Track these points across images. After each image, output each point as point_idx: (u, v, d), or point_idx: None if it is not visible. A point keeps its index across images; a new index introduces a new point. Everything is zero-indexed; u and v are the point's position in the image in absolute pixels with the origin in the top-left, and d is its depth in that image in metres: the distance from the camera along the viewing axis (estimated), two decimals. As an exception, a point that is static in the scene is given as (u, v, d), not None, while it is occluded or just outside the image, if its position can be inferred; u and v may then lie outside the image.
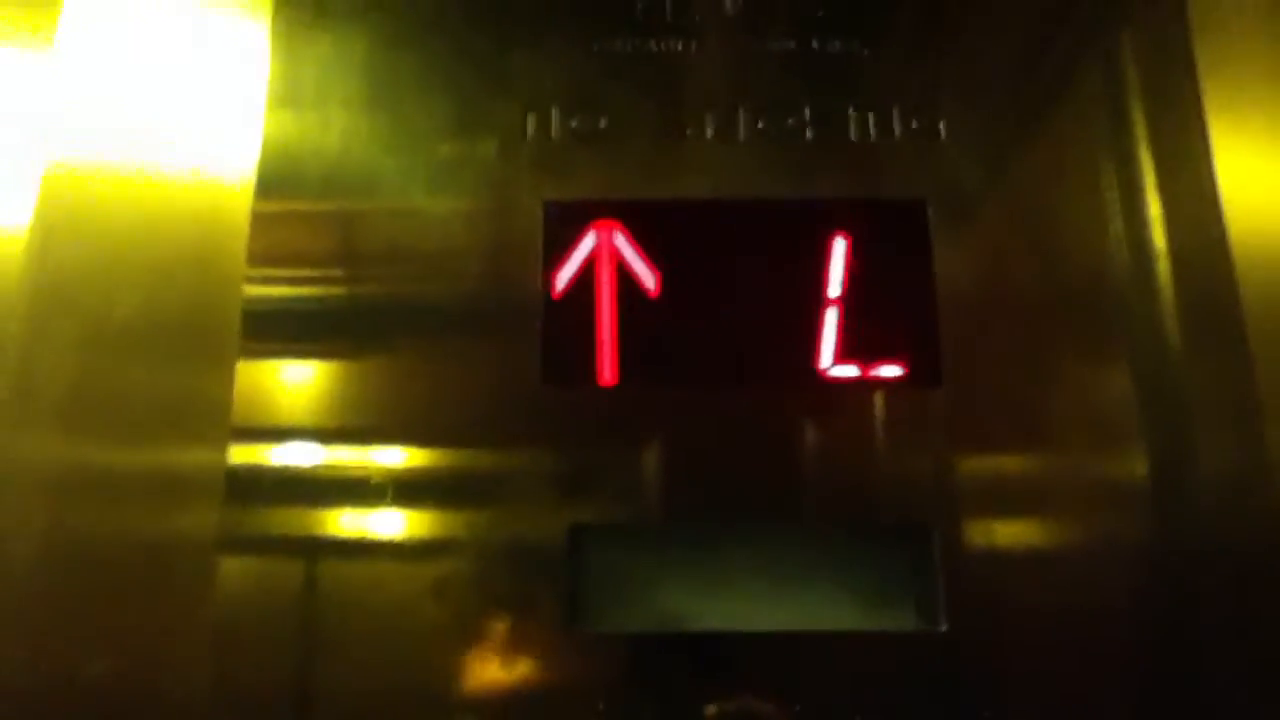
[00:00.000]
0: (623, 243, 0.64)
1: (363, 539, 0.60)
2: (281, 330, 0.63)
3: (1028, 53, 0.71)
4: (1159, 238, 0.66)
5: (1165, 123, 0.68)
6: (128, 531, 0.58)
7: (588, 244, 0.64)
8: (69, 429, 0.59)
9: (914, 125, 0.68)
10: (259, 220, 0.63)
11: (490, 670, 0.57)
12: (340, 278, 0.64)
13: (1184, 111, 0.68)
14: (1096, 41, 0.71)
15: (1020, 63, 0.71)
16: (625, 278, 0.64)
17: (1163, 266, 0.65)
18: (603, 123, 0.66)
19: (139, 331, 0.61)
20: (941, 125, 0.68)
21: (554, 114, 0.66)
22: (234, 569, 0.58)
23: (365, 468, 0.61)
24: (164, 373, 0.61)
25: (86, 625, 0.57)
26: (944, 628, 0.59)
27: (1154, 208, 0.66)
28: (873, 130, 0.67)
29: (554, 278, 0.64)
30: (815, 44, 0.69)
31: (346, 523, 0.60)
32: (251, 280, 0.62)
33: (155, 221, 0.63)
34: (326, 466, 0.61)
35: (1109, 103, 0.69)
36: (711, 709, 0.57)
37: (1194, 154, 0.67)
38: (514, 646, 0.58)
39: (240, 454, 0.60)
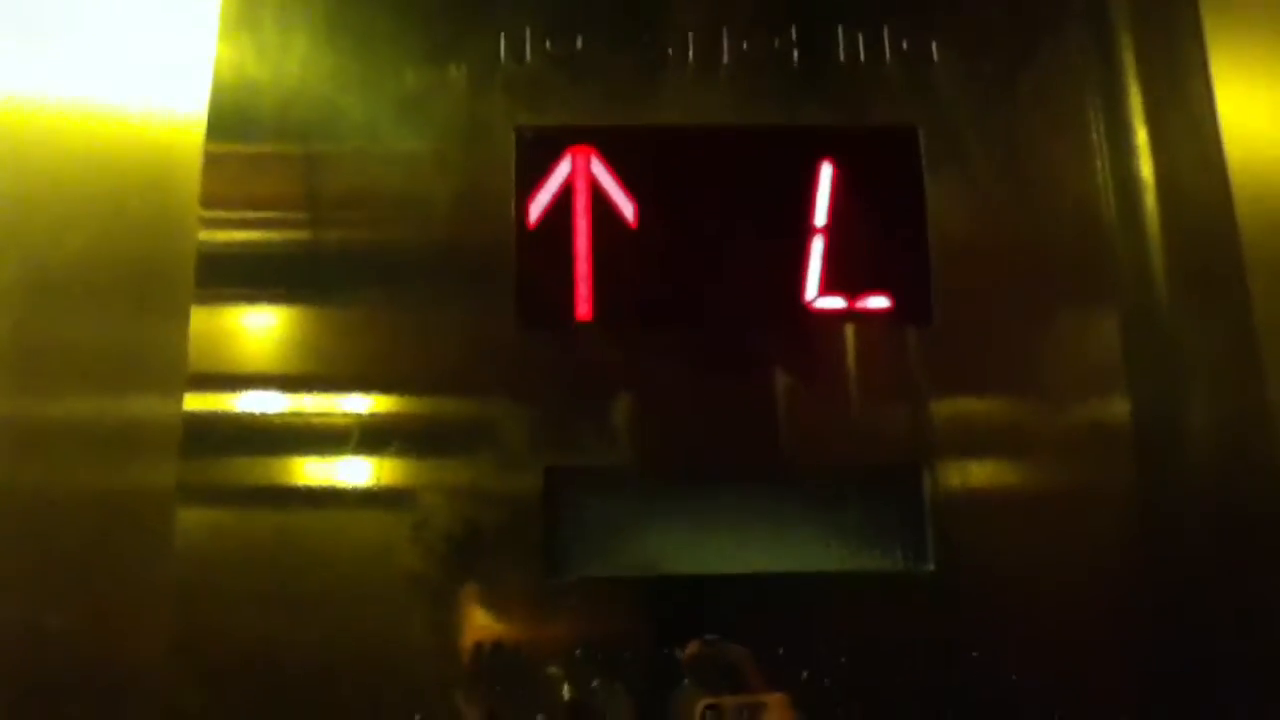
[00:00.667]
0: (600, 170, 0.62)
1: (329, 488, 0.58)
2: (238, 275, 0.60)
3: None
4: (1152, 173, 0.64)
5: (1163, 52, 0.66)
6: (82, 484, 0.56)
7: (563, 171, 0.62)
8: (16, 380, 0.57)
9: (905, 47, 0.65)
10: (212, 160, 0.60)
11: (466, 616, 0.55)
12: (300, 219, 0.61)
13: (1183, 42, 0.66)
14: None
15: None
16: (602, 207, 0.61)
17: (1160, 202, 0.63)
18: (579, 44, 0.63)
19: (87, 276, 0.59)
20: (934, 47, 0.65)
21: (528, 36, 0.63)
22: (193, 520, 0.56)
23: (330, 415, 0.59)
24: (115, 320, 0.58)
25: (42, 582, 0.55)
26: (931, 567, 0.57)
27: (1148, 142, 0.64)
28: (862, 52, 0.64)
29: (528, 207, 0.61)
30: (801, -39, 0.66)
31: (311, 472, 0.58)
32: (206, 223, 0.60)
33: (103, 160, 0.60)
34: (289, 415, 0.59)
35: (1106, 28, 0.67)
36: (692, 652, 0.55)
37: (1193, 85, 0.65)
38: (490, 592, 0.56)
39: (197, 402, 0.58)
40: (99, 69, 0.62)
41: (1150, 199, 0.63)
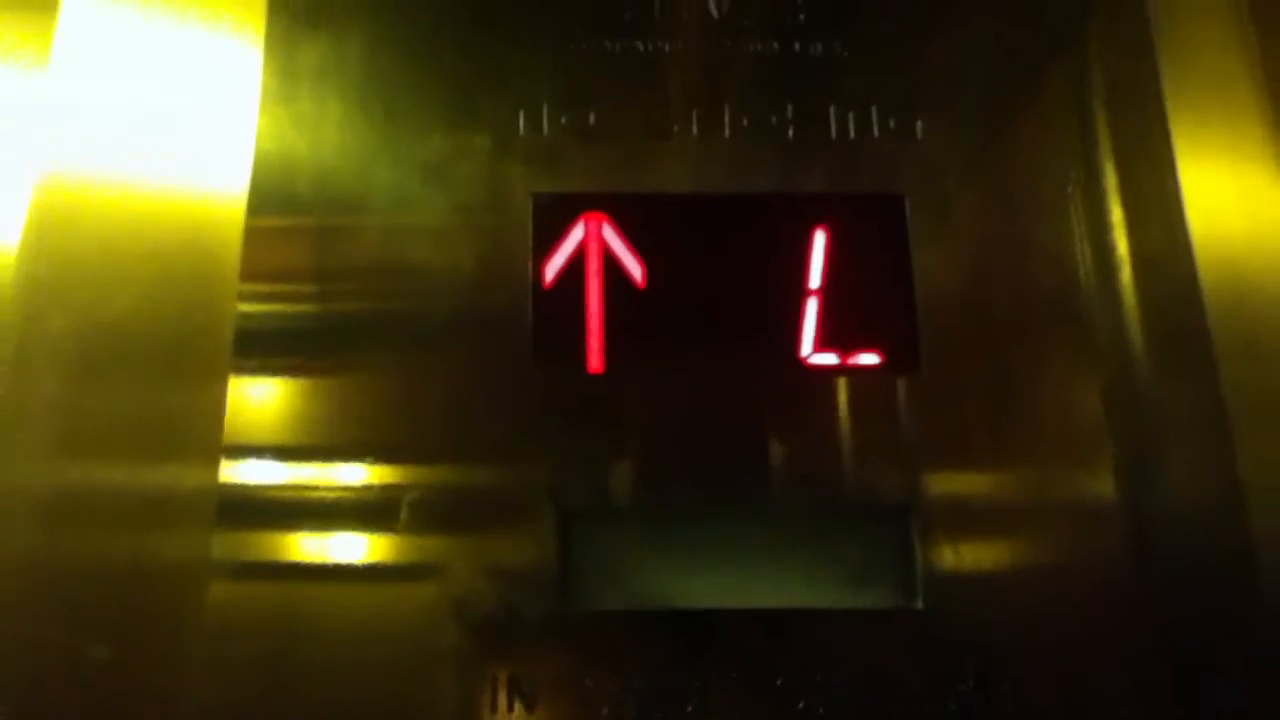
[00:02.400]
0: (610, 235, 0.66)
1: (362, 559, 0.61)
2: (275, 345, 0.63)
3: (999, 57, 0.73)
4: (1123, 242, 0.68)
5: (1130, 131, 0.71)
6: (116, 554, 0.57)
7: (576, 235, 0.66)
8: (56, 447, 0.59)
9: (892, 124, 0.70)
10: (252, 235, 0.64)
11: (483, 653, 0.59)
12: (333, 291, 0.65)
13: (1148, 119, 0.71)
14: (1064, 49, 0.73)
15: (992, 67, 0.73)
16: (613, 268, 0.66)
17: (1128, 271, 0.68)
18: (592, 119, 0.68)
19: (130, 348, 0.61)
20: (919, 125, 0.70)
21: (545, 110, 0.68)
22: (226, 594, 0.58)
23: (361, 485, 0.61)
24: (154, 389, 0.60)
25: (72, 653, 0.56)
26: (920, 605, 0.61)
27: (1119, 214, 0.69)
28: (852, 129, 0.70)
29: (544, 268, 0.65)
30: (797, 46, 0.72)
31: (345, 543, 0.61)
32: (244, 296, 0.63)
33: (147, 237, 0.63)
34: (323, 485, 0.62)
35: (1075, 109, 0.72)
36: (697, 684, 0.58)
37: (1159, 162, 0.70)
38: (509, 623, 0.59)
39: (233, 473, 0.60)
40: (147, 153, 0.65)
41: (1125, 272, 0.68)
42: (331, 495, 0.61)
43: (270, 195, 0.65)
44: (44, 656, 0.56)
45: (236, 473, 0.60)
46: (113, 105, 0.66)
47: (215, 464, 0.60)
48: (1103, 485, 0.63)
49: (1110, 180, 0.70)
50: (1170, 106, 0.71)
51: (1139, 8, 0.73)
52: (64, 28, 0.66)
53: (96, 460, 0.59)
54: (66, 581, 0.57)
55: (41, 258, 0.62)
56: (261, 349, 0.62)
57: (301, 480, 0.62)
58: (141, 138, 0.65)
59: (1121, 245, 0.68)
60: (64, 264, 0.62)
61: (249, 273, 0.63)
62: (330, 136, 0.67)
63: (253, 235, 0.64)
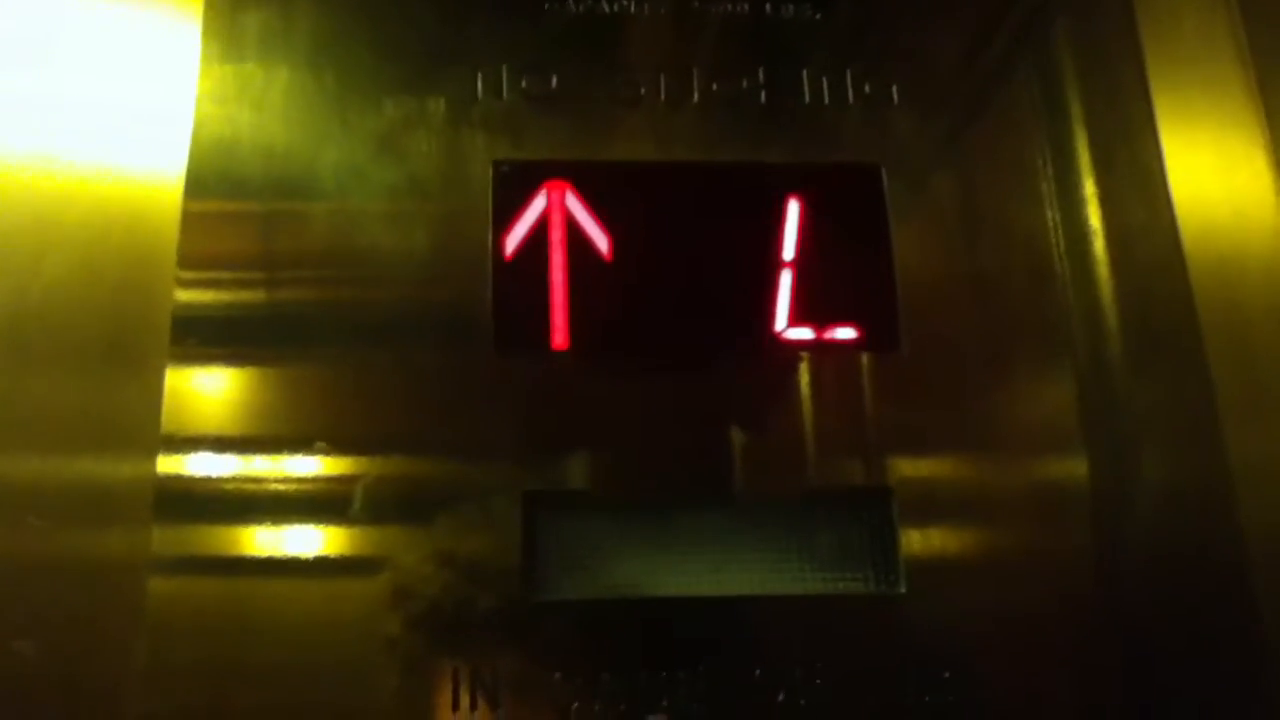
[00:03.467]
0: (574, 204, 0.63)
1: (309, 549, 0.58)
2: (215, 334, 0.60)
3: (979, 24, 0.71)
4: (1100, 218, 0.66)
5: (1110, 106, 0.69)
6: (52, 549, 0.55)
7: (538, 205, 0.63)
8: None
9: (867, 90, 0.67)
10: (189, 219, 0.60)
11: (446, 638, 0.55)
12: (277, 277, 0.61)
13: (1130, 97, 0.69)
14: (1044, 17, 0.71)
15: (971, 33, 0.71)
16: (577, 240, 0.63)
17: (1109, 253, 0.66)
18: (554, 83, 0.65)
19: (62, 336, 0.58)
20: (894, 91, 0.67)
21: (504, 74, 0.65)
22: (166, 588, 0.55)
23: (312, 475, 0.58)
24: (89, 379, 0.57)
25: (9, 651, 0.53)
26: (902, 590, 0.58)
27: (1097, 189, 0.67)
28: (826, 94, 0.67)
29: (504, 240, 0.62)
30: (768, 8, 0.69)
31: (291, 533, 0.58)
32: (183, 283, 0.59)
33: (80, 220, 0.60)
34: (266, 476, 0.58)
35: (1054, 80, 0.70)
36: (670, 677, 0.55)
37: (1141, 139, 0.68)
38: (471, 614, 0.56)
39: (170, 466, 0.57)
40: (79, 126, 0.62)
41: (1099, 249, 0.66)
42: (277, 488, 0.58)
43: (209, 176, 0.61)
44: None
45: (175, 465, 0.57)
46: (43, 81, 0.62)
47: (153, 456, 0.56)
48: (1083, 469, 0.62)
49: (1088, 154, 0.68)
50: (1152, 78, 0.69)
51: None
52: None
53: (27, 451, 0.56)
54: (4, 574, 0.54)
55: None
56: (201, 337, 0.59)
57: (244, 473, 0.58)
58: (73, 115, 0.62)
59: (1097, 221, 0.66)
60: None
61: (187, 258, 0.60)
62: (276, 105, 0.63)
63: (190, 219, 0.60)
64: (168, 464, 0.57)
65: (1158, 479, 0.61)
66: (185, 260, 0.60)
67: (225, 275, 0.61)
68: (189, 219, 0.60)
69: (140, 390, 0.58)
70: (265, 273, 0.61)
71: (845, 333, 0.63)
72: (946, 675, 0.57)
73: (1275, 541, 0.59)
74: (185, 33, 0.64)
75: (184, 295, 0.59)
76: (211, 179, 0.61)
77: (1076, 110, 0.69)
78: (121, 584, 0.55)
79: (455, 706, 0.54)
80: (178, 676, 0.54)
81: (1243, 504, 0.60)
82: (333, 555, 0.57)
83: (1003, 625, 0.59)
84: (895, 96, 0.67)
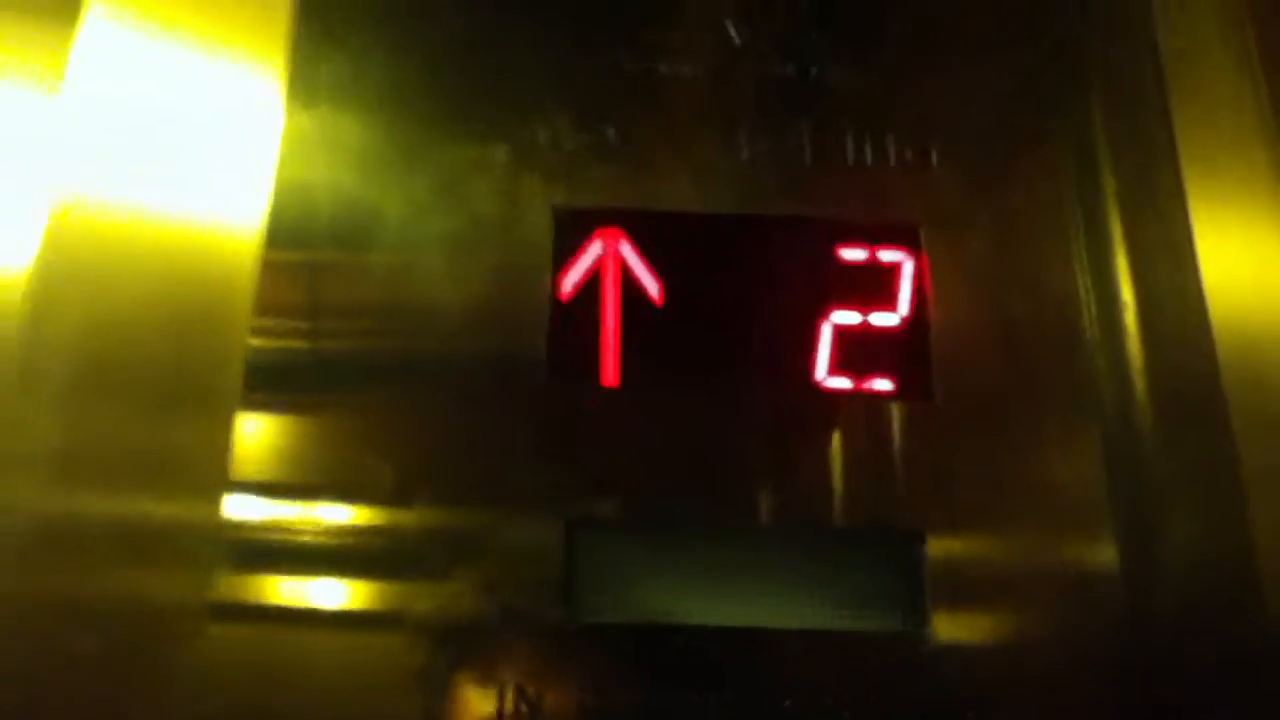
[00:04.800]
0: (628, 251, 0.67)
1: (367, 601, 0.60)
2: (285, 381, 0.62)
3: (1015, 91, 0.74)
4: (1130, 288, 0.69)
5: (1141, 173, 0.72)
6: (112, 590, 0.56)
7: (594, 250, 0.66)
8: (60, 478, 0.56)
9: (907, 153, 0.71)
10: (268, 268, 0.63)
11: (489, 667, 0.58)
12: (345, 327, 0.65)
13: (1160, 166, 0.71)
14: (1078, 87, 0.74)
15: (1007, 100, 0.74)
16: (630, 284, 0.66)
17: (1133, 317, 0.68)
18: (611, 136, 0.69)
19: (136, 378, 0.59)
20: (933, 154, 0.71)
21: (564, 125, 0.69)
22: (224, 635, 0.56)
23: (375, 526, 0.60)
24: (160, 422, 0.59)
25: (61, 689, 0.53)
26: (929, 629, 0.61)
27: (1127, 258, 0.70)
28: (869, 155, 0.70)
29: (561, 281, 0.65)
30: (813, 72, 0.72)
31: (345, 584, 0.60)
32: (256, 331, 0.62)
33: (160, 267, 0.61)
34: (329, 526, 0.60)
35: (1087, 148, 0.73)
36: (703, 703, 0.58)
37: (1170, 206, 0.70)
38: (512, 639, 0.59)
39: (237, 511, 0.59)
40: (162, 175, 0.63)
41: (1129, 316, 0.68)
42: (340, 537, 0.60)
43: (287, 225, 0.64)
44: (36, 690, 0.53)
45: (241, 510, 0.59)
46: (129, 131, 0.64)
47: (219, 501, 0.58)
48: (1109, 530, 0.63)
49: (1120, 221, 0.71)
50: (1182, 151, 0.71)
51: (1152, 51, 0.74)
52: (81, 50, 0.65)
53: (96, 491, 0.57)
54: (59, 616, 0.55)
55: (52, 283, 0.60)
56: (272, 384, 0.61)
57: (309, 520, 0.60)
58: (158, 165, 0.64)
59: (1127, 288, 0.69)
60: (74, 290, 0.60)
61: (262, 306, 0.62)
62: (349, 152, 0.67)
63: (268, 266, 0.63)
64: (233, 508, 0.59)
65: (1183, 546, 0.63)
66: (261, 307, 0.62)
67: (298, 324, 0.64)
68: (267, 266, 0.63)
69: (210, 434, 0.59)
70: (334, 320, 0.65)
71: (882, 384, 0.66)
72: (970, 716, 0.59)
73: None
74: (268, 81, 0.67)
75: (257, 341, 0.62)
76: (289, 226, 0.64)
77: (1109, 178, 0.72)
78: (180, 628, 0.55)
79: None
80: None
81: (1266, 577, 0.61)
82: (385, 604, 0.60)
83: (1027, 672, 0.61)
84: (934, 159, 0.71)
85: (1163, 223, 0.70)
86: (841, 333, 0.66)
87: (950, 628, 0.61)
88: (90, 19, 0.66)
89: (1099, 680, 0.61)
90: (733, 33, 0.73)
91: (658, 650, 0.59)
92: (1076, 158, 0.73)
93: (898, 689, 0.59)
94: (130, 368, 0.59)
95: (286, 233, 0.64)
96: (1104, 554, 0.63)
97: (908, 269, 0.67)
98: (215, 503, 0.58)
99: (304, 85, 0.67)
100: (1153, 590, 0.63)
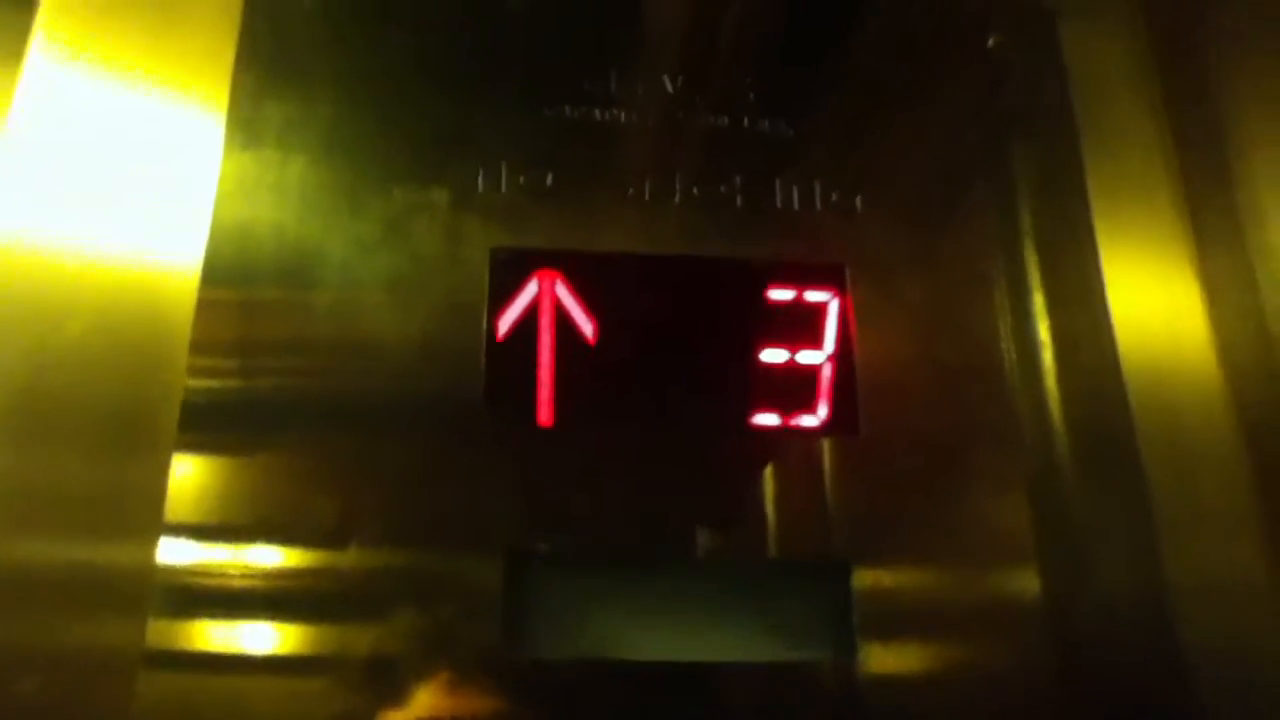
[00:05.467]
0: (563, 291, 0.68)
1: (306, 645, 0.59)
2: (222, 421, 0.62)
3: (937, 144, 0.78)
4: (1046, 329, 0.72)
5: (1056, 222, 0.76)
6: (42, 638, 0.55)
7: (530, 291, 0.68)
8: None
9: (834, 199, 0.73)
10: (204, 307, 0.63)
11: (429, 696, 0.59)
12: (283, 366, 0.65)
13: (1073, 211, 0.75)
14: (998, 140, 0.78)
15: (930, 152, 0.77)
16: (565, 325, 0.68)
17: (1050, 357, 0.71)
18: (549, 180, 0.71)
19: (71, 419, 0.59)
20: (858, 201, 0.74)
21: (504, 170, 0.70)
22: (157, 684, 0.55)
23: (314, 568, 0.60)
24: (94, 464, 0.58)
25: None
26: (857, 659, 0.62)
27: (1043, 301, 0.73)
28: (796, 201, 0.73)
29: (497, 322, 0.67)
30: (746, 121, 0.75)
31: (283, 628, 0.59)
32: (194, 371, 0.62)
33: (96, 306, 0.62)
34: (266, 569, 0.60)
35: (1006, 197, 0.77)
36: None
37: (1083, 253, 0.74)
38: (448, 674, 0.59)
39: (171, 554, 0.58)
40: (101, 214, 0.64)
41: (1046, 356, 0.71)
42: (276, 580, 0.60)
43: (225, 264, 0.65)
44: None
45: (176, 554, 0.59)
46: (70, 171, 0.65)
47: (153, 544, 0.58)
48: (1031, 559, 0.66)
49: (1037, 265, 0.74)
50: (1092, 195, 0.75)
51: (1069, 104, 0.78)
52: (24, 90, 0.66)
53: (29, 534, 0.57)
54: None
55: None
56: (209, 424, 0.61)
57: (245, 564, 0.60)
58: (97, 204, 0.64)
59: (1044, 329, 0.72)
60: (7, 329, 0.60)
61: (199, 345, 0.62)
62: (292, 192, 0.68)
63: (205, 306, 0.63)
64: (168, 551, 0.58)
65: (1102, 581, 0.65)
66: (197, 346, 0.62)
67: (235, 363, 0.64)
68: (203, 306, 0.63)
69: (146, 474, 0.59)
70: (273, 359, 0.65)
71: (810, 420, 0.68)
72: (898, 741, 0.60)
73: (1213, 655, 0.63)
74: (210, 122, 0.68)
75: (194, 381, 0.62)
76: (227, 265, 0.65)
77: (1027, 224, 0.75)
78: (113, 674, 0.55)
79: (434, 758, 0.57)
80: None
81: (1180, 616, 0.64)
82: (327, 647, 0.59)
83: (953, 702, 0.63)
84: (859, 205, 0.74)
85: (1076, 264, 0.74)
86: (770, 370, 0.68)
87: (878, 658, 0.62)
88: (34, 58, 0.67)
89: (1022, 712, 0.63)
90: (667, 83, 0.76)
91: (596, 685, 0.60)
92: (996, 202, 0.76)
93: (829, 716, 0.61)
94: (65, 409, 0.59)
95: (224, 272, 0.65)
96: (1028, 586, 0.66)
97: (834, 308, 0.70)
98: (150, 546, 0.58)
99: (246, 126, 0.69)
100: (1077, 623, 0.65)
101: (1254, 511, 0.67)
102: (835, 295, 0.70)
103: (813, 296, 0.70)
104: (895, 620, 0.63)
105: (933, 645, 0.64)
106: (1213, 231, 0.74)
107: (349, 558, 0.60)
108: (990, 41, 0.79)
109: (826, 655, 0.63)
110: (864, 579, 0.64)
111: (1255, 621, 0.65)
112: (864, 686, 0.62)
